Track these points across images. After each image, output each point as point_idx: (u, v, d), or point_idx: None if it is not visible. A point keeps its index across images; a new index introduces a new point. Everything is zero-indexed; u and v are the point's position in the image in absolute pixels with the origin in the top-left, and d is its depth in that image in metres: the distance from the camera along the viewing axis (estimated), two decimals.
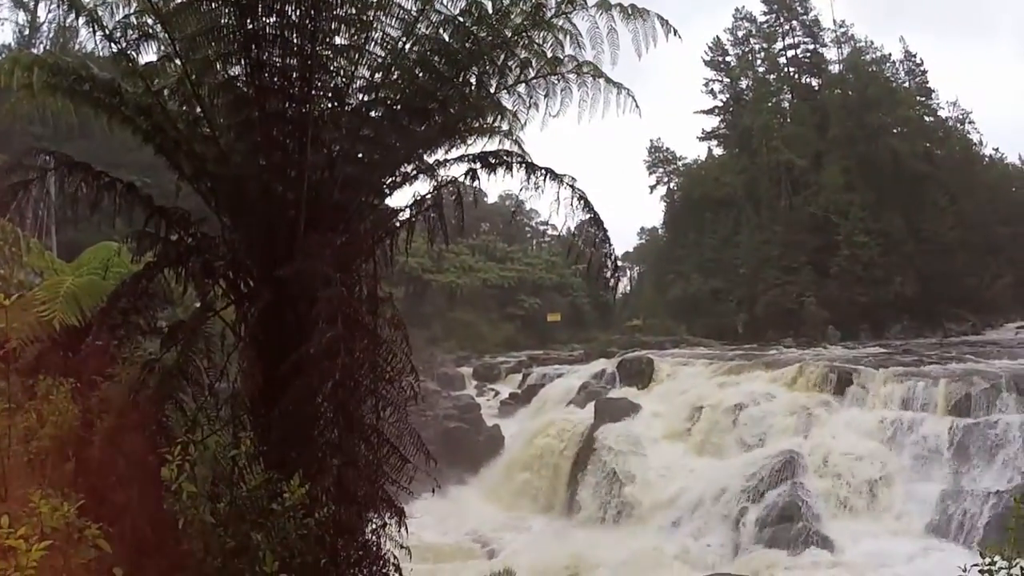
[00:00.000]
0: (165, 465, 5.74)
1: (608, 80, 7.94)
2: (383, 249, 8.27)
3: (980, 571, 4.96)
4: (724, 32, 78.32)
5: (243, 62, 7.52)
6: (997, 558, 4.95)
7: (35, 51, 40.36)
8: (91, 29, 7.27)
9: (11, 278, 9.87)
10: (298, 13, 7.30)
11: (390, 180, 8.46)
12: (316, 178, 7.71)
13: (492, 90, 8.18)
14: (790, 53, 75.51)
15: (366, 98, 7.99)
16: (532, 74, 8.07)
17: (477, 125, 8.54)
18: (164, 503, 5.89)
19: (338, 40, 7.58)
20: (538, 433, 31.82)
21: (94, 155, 9.15)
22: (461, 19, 7.74)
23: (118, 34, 7.32)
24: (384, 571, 7.53)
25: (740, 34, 77.76)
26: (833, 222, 62.46)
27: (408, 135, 8.10)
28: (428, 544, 22.16)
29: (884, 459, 22.79)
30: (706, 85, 79.20)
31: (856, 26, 73.94)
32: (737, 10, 77.51)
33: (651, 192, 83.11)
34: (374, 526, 7.43)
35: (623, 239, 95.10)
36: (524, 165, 8.05)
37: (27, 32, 54.74)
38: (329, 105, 7.91)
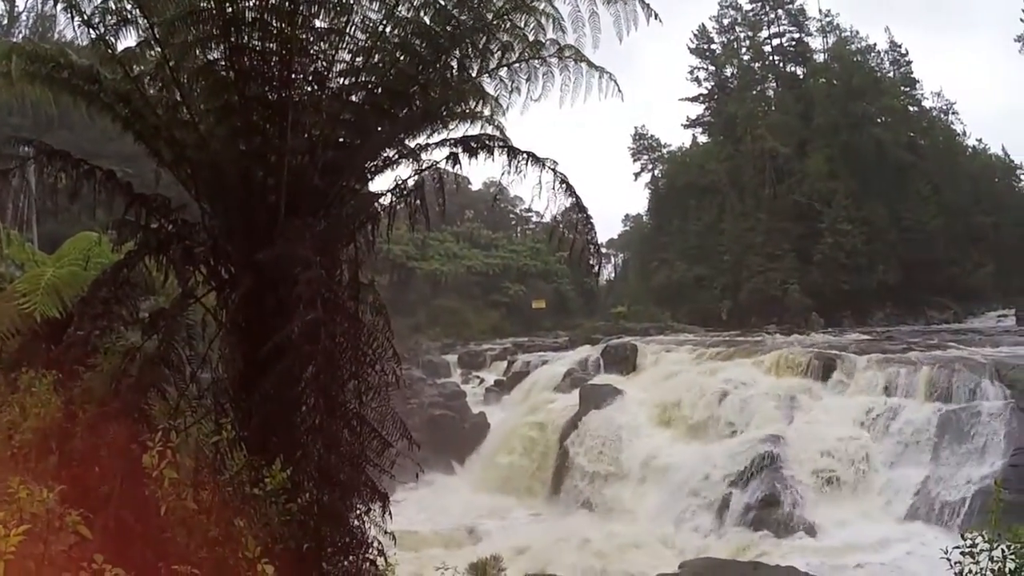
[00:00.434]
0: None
1: (590, 64, 7.92)
2: (365, 234, 8.23)
3: (962, 553, 5.00)
4: (710, 20, 78.46)
5: (222, 46, 7.44)
6: (979, 539, 4.99)
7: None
8: (69, 15, 7.20)
9: None
10: None
11: (371, 165, 8.42)
12: (296, 163, 7.67)
13: (474, 74, 8.14)
14: (775, 42, 75.66)
15: (347, 82, 7.93)
16: (514, 58, 8.04)
17: (459, 110, 8.50)
18: (146, 490, 5.85)
19: (318, 23, 7.50)
20: (523, 420, 31.97)
21: (75, 145, 9.07)
22: (442, 1, 7.70)
23: (96, 20, 7.25)
24: (369, 557, 7.52)
25: (726, 22, 77.87)
26: (817, 210, 62.74)
27: (389, 119, 8.06)
28: (415, 532, 22.22)
29: (867, 445, 23.00)
30: (691, 73, 79.41)
31: (841, 16, 74.01)
32: None
33: (636, 179, 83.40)
34: (358, 512, 7.41)
35: (608, 226, 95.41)
36: (506, 149, 8.02)
37: (5, 22, 54.21)
38: (309, 89, 7.85)
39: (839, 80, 67.78)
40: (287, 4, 7.17)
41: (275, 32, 7.33)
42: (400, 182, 8.31)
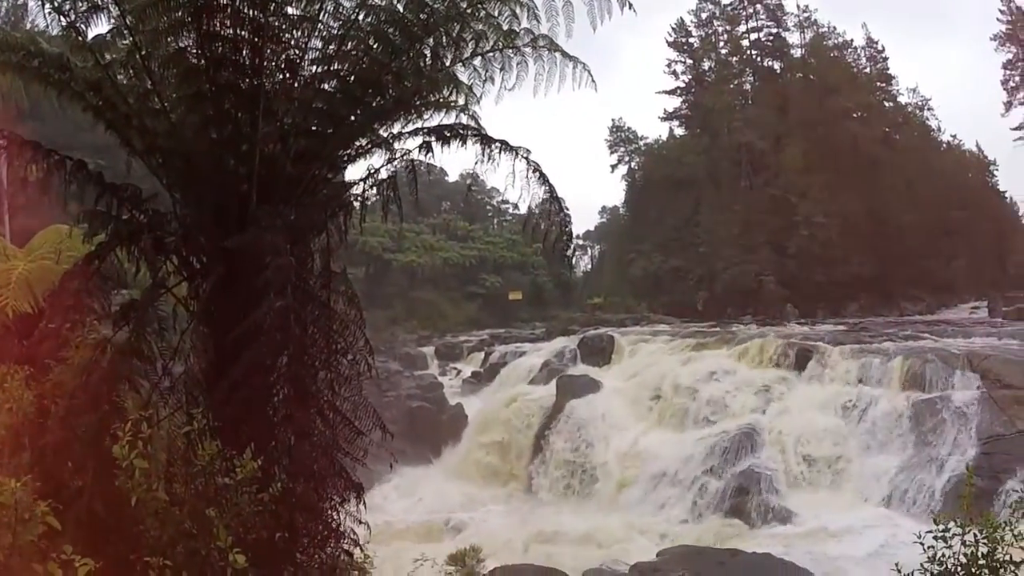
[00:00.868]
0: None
1: (564, 54, 7.92)
2: (337, 223, 8.19)
3: (935, 538, 5.07)
4: (688, 14, 78.43)
5: (194, 34, 7.35)
6: (951, 524, 5.07)
7: None
8: (40, 2, 7.10)
9: None
10: None
11: (344, 154, 8.38)
12: (268, 151, 7.62)
13: (447, 63, 8.11)
14: (753, 36, 75.70)
15: (319, 70, 7.88)
16: (488, 47, 8.01)
17: (433, 99, 8.47)
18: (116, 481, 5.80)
19: (290, 10, 7.44)
20: (501, 411, 31.95)
21: (46, 137, 8.92)
22: None
23: (67, 7, 7.14)
24: (344, 547, 7.51)
25: (704, 16, 77.79)
26: (792, 203, 62.99)
27: (362, 108, 8.01)
28: (391, 523, 22.22)
29: (842, 433, 23.26)
30: (669, 66, 79.23)
31: (819, 12, 74.13)
32: None
33: (612, 171, 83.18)
34: (333, 502, 7.39)
35: (585, 218, 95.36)
36: (479, 137, 8.00)
37: None
38: (281, 77, 7.79)
39: (816, 75, 67.99)
40: None
41: (247, 19, 7.26)
42: (373, 171, 8.29)
